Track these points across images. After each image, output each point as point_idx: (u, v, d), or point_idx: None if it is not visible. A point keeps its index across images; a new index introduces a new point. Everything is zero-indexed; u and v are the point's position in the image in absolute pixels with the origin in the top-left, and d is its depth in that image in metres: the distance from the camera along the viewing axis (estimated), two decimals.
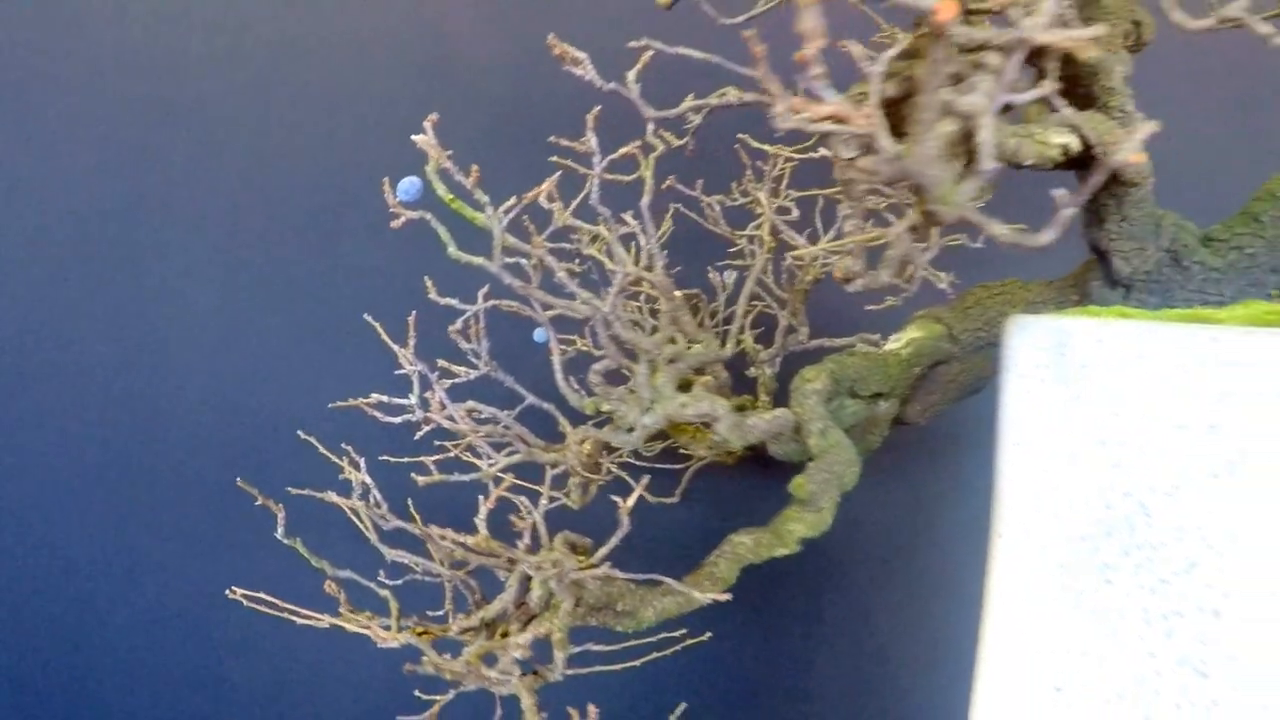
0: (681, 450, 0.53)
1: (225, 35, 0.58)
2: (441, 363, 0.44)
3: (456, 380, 0.45)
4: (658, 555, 0.47)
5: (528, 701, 0.37)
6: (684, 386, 0.44)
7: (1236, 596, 0.32)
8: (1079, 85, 0.37)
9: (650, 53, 0.32)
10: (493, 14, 0.57)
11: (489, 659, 0.37)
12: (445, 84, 0.57)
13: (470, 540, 0.35)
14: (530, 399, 0.45)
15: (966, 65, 0.21)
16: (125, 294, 0.57)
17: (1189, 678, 0.33)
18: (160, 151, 0.58)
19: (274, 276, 0.57)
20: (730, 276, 0.51)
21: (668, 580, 0.37)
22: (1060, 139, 0.32)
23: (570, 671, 0.43)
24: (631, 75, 0.32)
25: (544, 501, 0.39)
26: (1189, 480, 0.32)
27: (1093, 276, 0.41)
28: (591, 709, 0.35)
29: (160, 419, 0.55)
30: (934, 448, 0.55)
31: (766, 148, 0.47)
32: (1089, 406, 0.33)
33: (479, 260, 0.34)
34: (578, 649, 0.42)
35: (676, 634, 0.44)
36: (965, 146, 0.21)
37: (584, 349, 0.46)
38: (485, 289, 0.43)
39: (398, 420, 0.40)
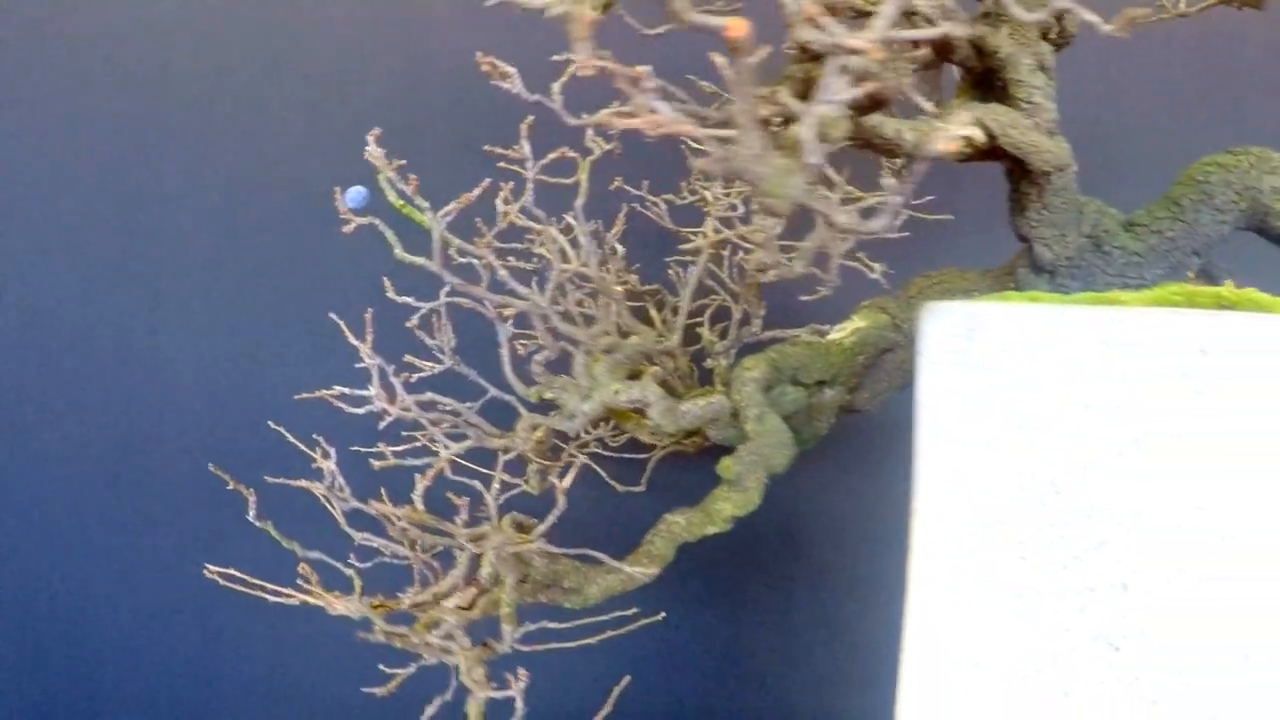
0: (644, 440, 0.55)
1: (210, 53, 0.62)
2: (408, 358, 0.48)
3: (424, 374, 0.48)
4: (628, 541, 0.49)
5: (478, 674, 0.40)
6: (635, 377, 0.46)
7: (1144, 572, 0.33)
8: (995, 78, 0.39)
9: (574, 66, 0.35)
10: (463, 20, 0.60)
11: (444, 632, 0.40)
12: (418, 92, 0.60)
13: (405, 513, 0.38)
14: (492, 391, 0.48)
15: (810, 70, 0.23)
16: (119, 295, 0.61)
17: (1103, 651, 0.34)
18: (150, 159, 0.62)
19: (259, 275, 0.61)
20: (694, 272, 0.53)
21: (605, 558, 0.39)
22: (962, 130, 0.34)
23: (533, 648, 0.46)
24: (556, 87, 0.35)
25: (496, 485, 0.42)
26: (1096, 460, 0.33)
27: (1021, 263, 0.42)
28: (522, 672, 0.38)
29: (152, 411, 0.59)
30: (892, 434, 0.56)
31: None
32: (1000, 390, 0.35)
33: (420, 260, 0.37)
34: (534, 626, 0.45)
35: (629, 612, 0.46)
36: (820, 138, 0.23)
37: (542, 343, 0.49)
38: (447, 287, 0.46)
39: (361, 411, 0.43)
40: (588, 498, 0.57)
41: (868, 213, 0.26)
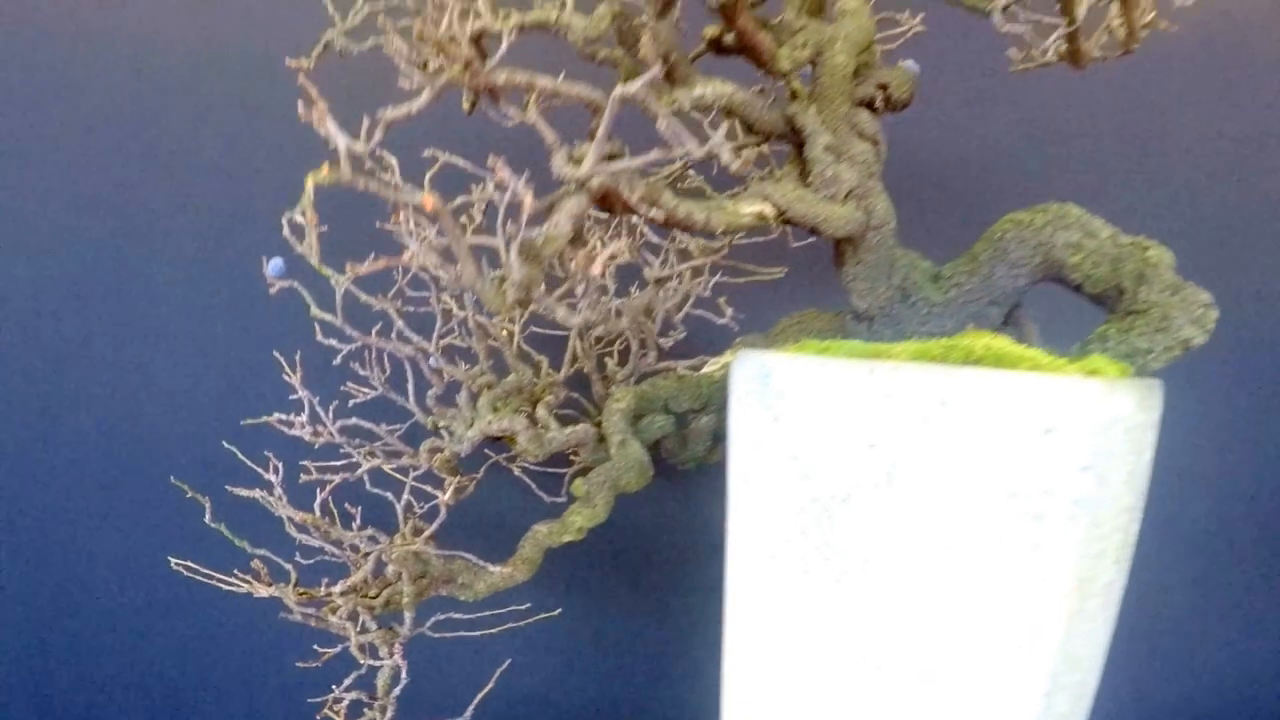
0: (570, 457, 0.63)
1: (195, 90, 0.72)
2: (345, 386, 0.58)
3: (359, 399, 0.58)
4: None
5: (385, 651, 0.50)
6: (534, 404, 0.55)
7: (900, 587, 0.39)
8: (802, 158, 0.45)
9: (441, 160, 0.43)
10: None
11: (354, 617, 0.50)
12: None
13: (302, 519, 0.48)
14: (417, 414, 0.57)
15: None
16: (109, 317, 0.72)
17: (863, 662, 0.40)
18: (141, 186, 0.73)
19: (232, 309, 0.72)
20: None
21: (476, 560, 0.48)
22: (751, 207, 0.41)
23: (444, 635, 0.55)
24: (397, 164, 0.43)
25: (406, 496, 0.52)
26: (858, 489, 0.39)
27: (847, 311, 0.48)
28: (398, 645, 0.47)
29: (140, 426, 0.71)
30: None
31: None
32: (785, 428, 0.41)
33: (328, 316, 0.46)
34: (442, 616, 0.55)
35: (524, 607, 0.55)
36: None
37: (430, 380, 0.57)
38: (378, 325, 0.56)
39: (297, 434, 0.53)
40: (524, 507, 0.66)
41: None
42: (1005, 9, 0.40)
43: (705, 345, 0.62)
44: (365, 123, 0.33)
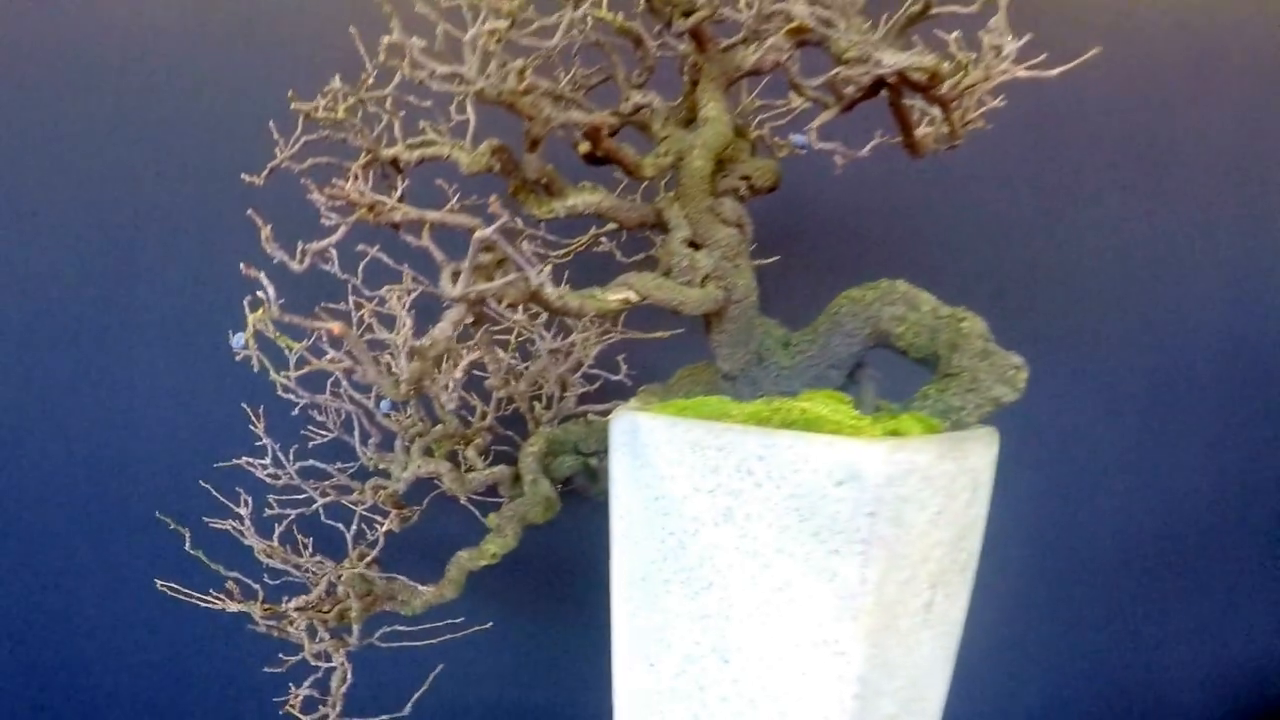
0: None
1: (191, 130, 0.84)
2: (305, 431, 0.68)
3: (320, 441, 0.69)
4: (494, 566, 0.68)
5: (338, 658, 0.61)
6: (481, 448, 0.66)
7: (738, 605, 0.49)
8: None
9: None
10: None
11: (311, 629, 0.61)
12: None
13: (261, 548, 0.59)
14: (364, 456, 0.68)
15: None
16: (97, 369, 0.83)
17: (717, 662, 0.50)
18: (129, 236, 0.84)
19: (207, 364, 0.83)
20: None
21: (408, 582, 0.59)
22: (617, 295, 0.51)
23: (389, 645, 0.66)
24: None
25: (355, 525, 0.62)
26: (703, 525, 0.49)
27: (718, 371, 0.58)
28: (344, 648, 0.58)
29: (125, 467, 0.83)
30: None
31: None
32: (649, 473, 0.51)
33: (282, 379, 0.57)
34: (389, 628, 0.66)
35: (458, 620, 0.66)
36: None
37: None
38: (331, 379, 0.67)
39: (265, 476, 0.64)
40: (471, 530, 0.77)
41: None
42: (818, 127, 0.49)
43: (621, 392, 0.72)
44: (299, 247, 0.44)
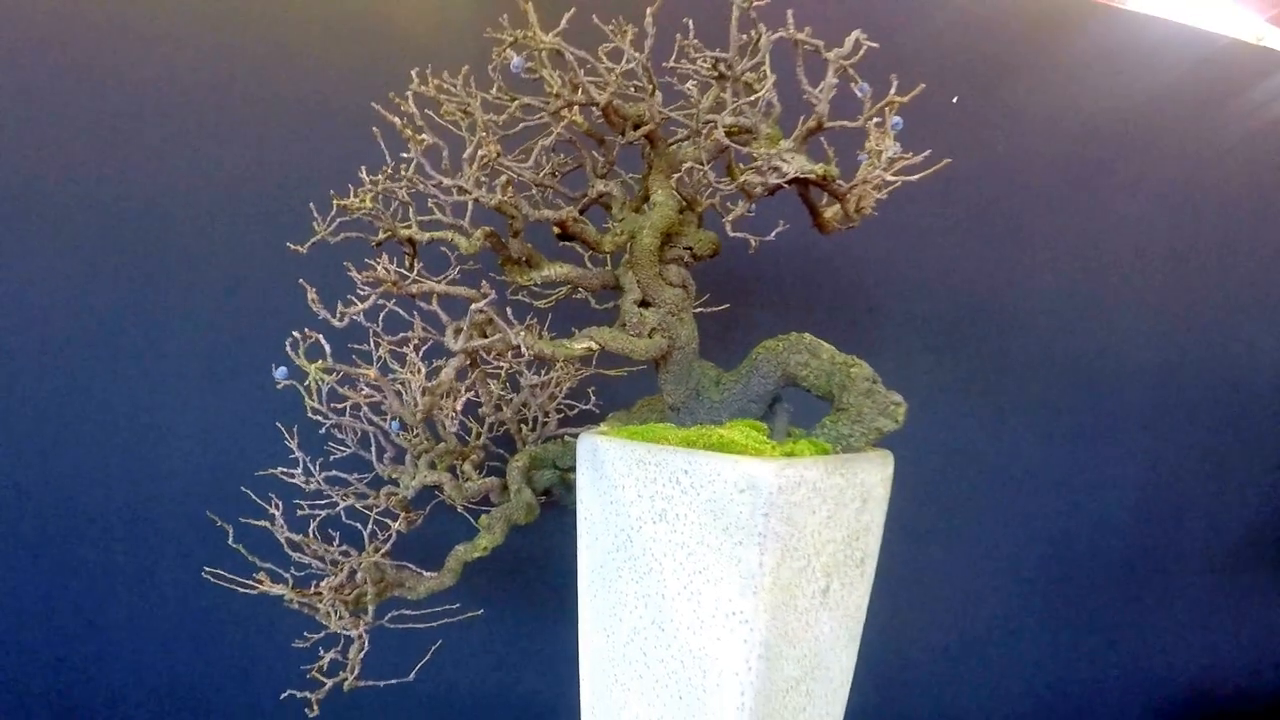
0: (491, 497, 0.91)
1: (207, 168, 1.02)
2: (328, 446, 0.86)
3: (337, 456, 0.86)
4: (483, 560, 0.86)
5: (355, 633, 0.77)
6: (476, 463, 0.83)
7: (672, 588, 0.66)
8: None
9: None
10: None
11: (335, 609, 0.78)
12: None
13: (300, 539, 0.76)
14: (380, 468, 0.85)
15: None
16: (148, 398, 1.03)
17: (656, 631, 0.67)
18: (152, 271, 1.03)
19: (243, 374, 1.01)
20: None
21: (416, 569, 0.75)
22: (581, 345, 0.68)
23: (397, 626, 0.83)
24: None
25: (370, 525, 0.80)
26: (643, 522, 0.66)
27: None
28: (363, 621, 0.75)
29: (176, 477, 1.01)
30: None
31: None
32: (605, 483, 0.68)
33: (315, 407, 0.75)
34: (409, 610, 0.83)
35: (454, 606, 0.83)
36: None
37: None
38: (348, 403, 0.84)
39: (298, 481, 0.81)
40: (467, 531, 0.94)
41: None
42: (734, 220, 0.67)
43: (593, 418, 0.89)
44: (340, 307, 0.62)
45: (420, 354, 0.61)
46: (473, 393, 0.64)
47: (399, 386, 0.68)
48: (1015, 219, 1.26)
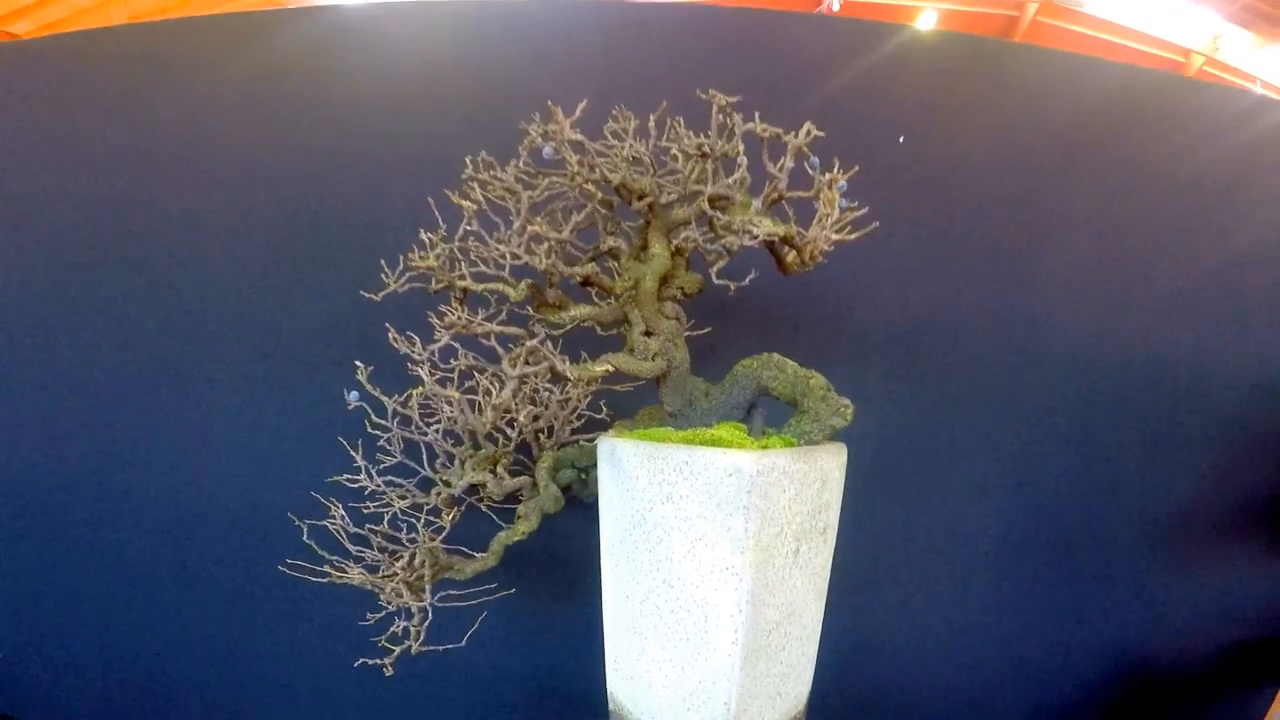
0: (518, 496, 1.15)
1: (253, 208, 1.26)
2: (379, 457, 1.09)
3: (387, 463, 1.10)
4: (514, 549, 1.09)
5: (415, 608, 1.01)
6: (506, 465, 1.07)
7: (678, 553, 0.91)
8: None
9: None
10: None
11: (398, 590, 1.01)
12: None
13: (372, 528, 0.99)
14: (424, 472, 1.09)
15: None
16: (175, 407, 1.25)
17: (665, 588, 0.92)
18: (198, 304, 1.26)
19: (288, 397, 1.24)
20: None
21: (468, 552, 0.99)
22: (601, 367, 0.93)
23: (445, 605, 1.06)
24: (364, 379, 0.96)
25: (425, 518, 1.03)
26: (654, 503, 0.91)
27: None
28: (427, 599, 0.98)
29: (256, 484, 1.23)
30: None
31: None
32: (621, 474, 0.93)
33: (385, 423, 0.98)
34: (454, 591, 1.06)
35: (491, 586, 1.07)
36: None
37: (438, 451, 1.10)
38: (396, 419, 1.08)
39: (358, 487, 1.04)
40: (493, 526, 1.18)
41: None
42: (718, 269, 0.92)
43: (602, 425, 1.14)
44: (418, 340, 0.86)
45: (460, 378, 0.85)
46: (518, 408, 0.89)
47: (477, 400, 0.92)
48: (954, 245, 1.55)
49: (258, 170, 1.33)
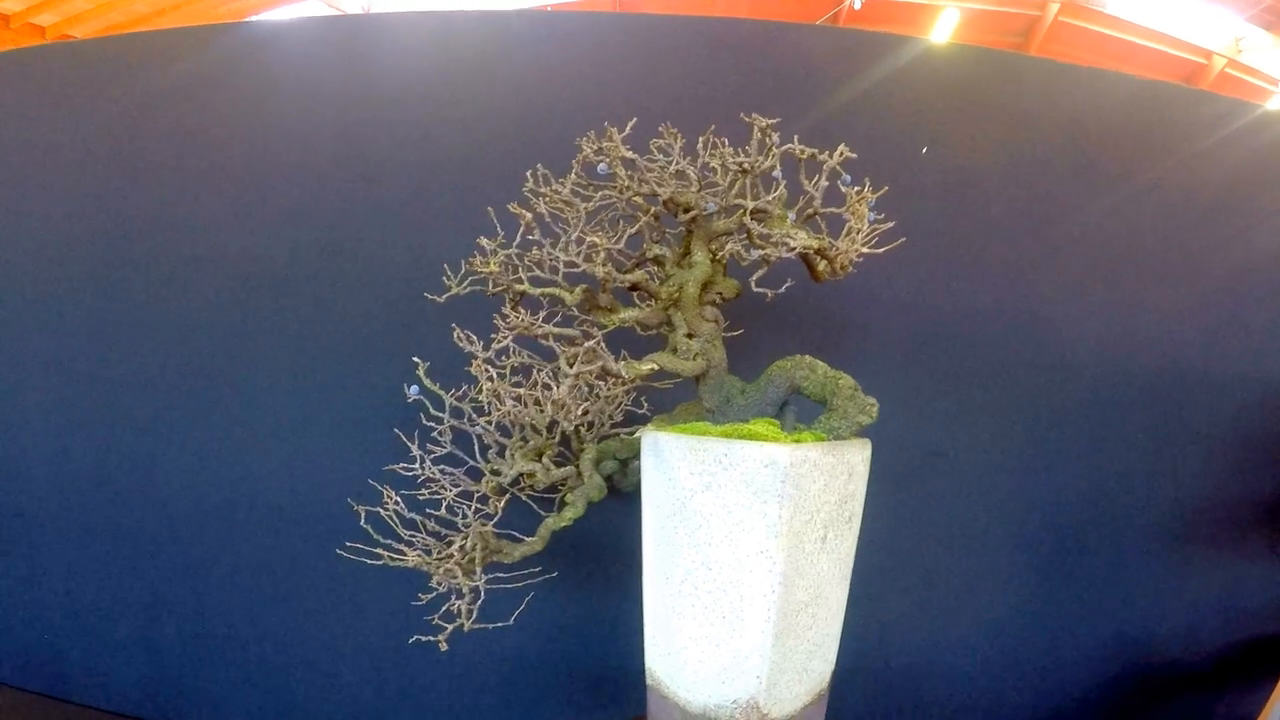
0: (559, 486, 1.29)
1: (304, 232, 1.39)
2: (430, 447, 1.22)
3: (436, 453, 1.23)
4: (558, 536, 1.23)
5: (466, 588, 1.14)
6: (552, 456, 1.21)
7: (716, 537, 1.05)
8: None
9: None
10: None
11: (451, 571, 1.14)
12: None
13: (428, 513, 1.12)
14: (470, 462, 1.22)
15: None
16: (230, 417, 1.39)
17: (704, 571, 1.06)
18: (248, 316, 1.39)
19: (333, 397, 1.37)
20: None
21: (519, 536, 1.12)
22: (647, 366, 1.07)
23: (492, 586, 1.20)
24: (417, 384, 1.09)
25: (475, 504, 1.17)
26: (694, 492, 1.05)
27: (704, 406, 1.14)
28: (479, 575, 1.11)
29: (316, 475, 1.36)
30: None
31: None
32: (663, 465, 1.06)
33: (442, 417, 1.11)
34: (501, 575, 1.19)
35: (535, 569, 1.20)
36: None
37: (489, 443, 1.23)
38: (447, 411, 1.21)
39: (416, 473, 1.17)
40: (532, 518, 1.31)
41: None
42: (758, 280, 1.06)
43: (641, 419, 1.28)
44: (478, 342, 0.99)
45: (511, 374, 0.99)
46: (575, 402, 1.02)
47: (537, 396, 1.05)
48: (972, 254, 1.69)
49: (310, 174, 1.47)
